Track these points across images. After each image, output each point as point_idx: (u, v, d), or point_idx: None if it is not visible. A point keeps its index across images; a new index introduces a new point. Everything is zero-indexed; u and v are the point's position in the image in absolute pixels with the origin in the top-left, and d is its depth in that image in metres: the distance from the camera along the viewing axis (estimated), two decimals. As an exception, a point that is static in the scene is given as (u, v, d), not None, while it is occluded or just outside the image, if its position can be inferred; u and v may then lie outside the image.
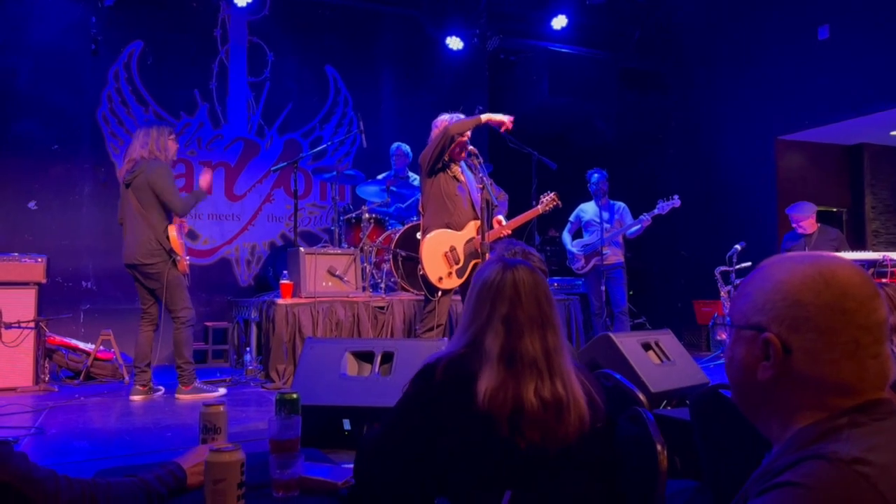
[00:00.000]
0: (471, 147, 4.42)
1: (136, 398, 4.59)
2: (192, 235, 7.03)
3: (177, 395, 4.66)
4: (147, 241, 4.57)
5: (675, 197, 6.19)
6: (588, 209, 6.60)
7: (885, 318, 0.91)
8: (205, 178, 4.83)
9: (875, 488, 0.78)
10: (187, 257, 4.76)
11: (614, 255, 6.44)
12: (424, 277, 4.36)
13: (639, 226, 6.30)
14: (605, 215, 6.49)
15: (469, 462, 1.45)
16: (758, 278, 0.99)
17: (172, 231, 4.62)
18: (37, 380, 4.97)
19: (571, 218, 6.68)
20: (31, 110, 6.52)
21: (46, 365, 5.13)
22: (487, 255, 4.15)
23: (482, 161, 4.41)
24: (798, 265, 0.95)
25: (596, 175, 6.59)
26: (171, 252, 4.61)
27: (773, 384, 0.93)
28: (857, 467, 0.79)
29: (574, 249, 6.55)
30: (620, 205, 6.65)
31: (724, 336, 6.77)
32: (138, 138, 4.73)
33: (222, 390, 4.87)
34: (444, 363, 1.49)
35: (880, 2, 6.74)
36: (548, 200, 4.73)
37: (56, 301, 6.01)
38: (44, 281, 5.15)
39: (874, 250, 7.23)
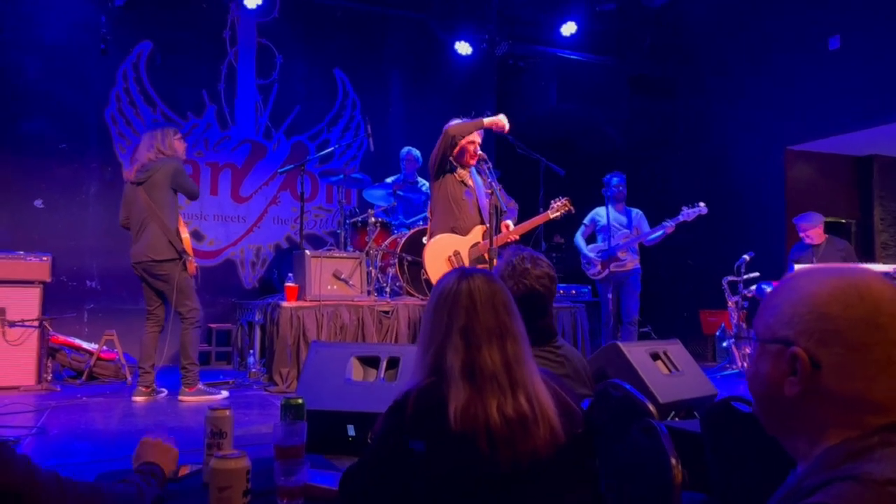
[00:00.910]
0: (480, 152, 4.41)
1: (139, 399, 4.57)
2: (197, 236, 7.02)
3: (180, 397, 4.63)
4: (159, 240, 4.57)
5: (701, 204, 5.97)
6: (604, 213, 6.35)
7: (918, 334, 0.88)
8: None
9: (911, 512, 0.75)
10: (194, 259, 4.75)
11: (632, 262, 6.29)
12: (428, 282, 4.35)
13: (661, 232, 6.14)
14: (623, 220, 6.40)
15: (453, 488, 1.41)
16: (784, 290, 0.96)
17: (184, 231, 4.64)
18: (39, 379, 4.95)
19: (586, 221, 6.47)
20: (39, 108, 6.52)
21: (49, 364, 5.12)
22: (496, 260, 4.12)
23: (491, 166, 4.39)
24: (827, 277, 0.92)
25: (615, 179, 6.41)
26: (182, 252, 4.61)
27: (800, 400, 0.90)
28: (892, 489, 0.76)
29: (591, 254, 6.34)
30: (637, 211, 6.49)
31: (748, 350, 6.65)
32: (144, 142, 4.76)
33: (225, 393, 4.85)
34: (414, 396, 1.44)
35: (892, 12, 6.71)
36: (559, 206, 4.58)
37: (60, 300, 6.01)
38: (48, 280, 5.14)
39: (883, 263, 7.19)
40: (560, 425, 1.44)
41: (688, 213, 6.02)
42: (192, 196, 4.92)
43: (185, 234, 4.65)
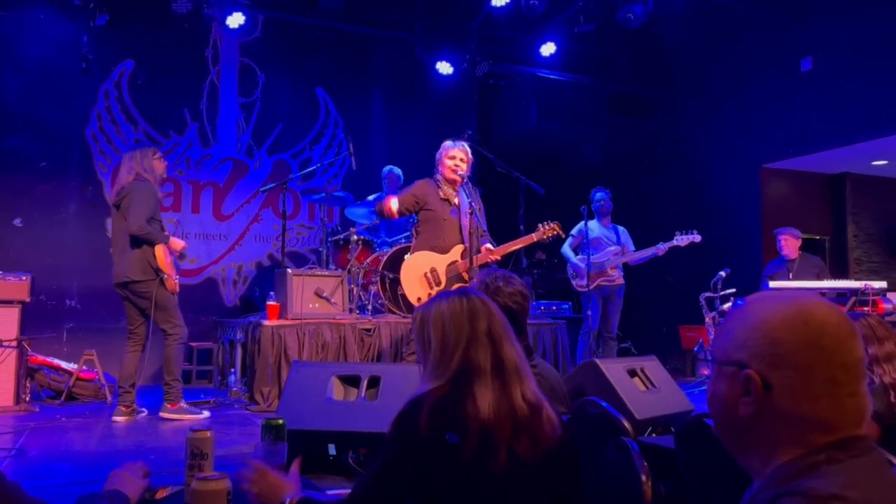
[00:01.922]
0: (462, 174, 4.42)
1: (120, 419, 4.54)
2: (179, 255, 7.00)
3: (161, 413, 4.63)
4: (136, 260, 4.60)
5: (695, 231, 6.17)
6: (594, 227, 6.45)
7: (861, 356, 0.94)
8: (178, 245, 4.85)
9: (852, 525, 0.80)
10: (177, 277, 4.75)
11: (619, 277, 6.45)
12: (404, 297, 4.41)
13: (651, 254, 6.30)
14: (612, 236, 6.50)
15: (473, 487, 1.46)
16: (739, 316, 1.01)
17: (159, 250, 4.64)
18: (18, 400, 4.90)
19: (573, 232, 6.51)
20: (20, 127, 6.50)
21: (28, 385, 5.07)
22: (475, 278, 4.16)
23: (470, 186, 4.44)
24: (778, 304, 0.98)
25: (599, 194, 6.56)
26: (158, 271, 4.62)
27: (753, 420, 0.95)
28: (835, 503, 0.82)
29: (581, 265, 6.34)
30: (623, 228, 6.64)
31: (706, 372, 6.76)
32: (123, 164, 4.79)
33: (207, 413, 4.83)
34: (429, 406, 1.50)
35: (861, 34, 6.91)
36: (546, 229, 4.48)
37: (39, 320, 5.95)
38: (27, 299, 5.10)
39: (856, 278, 7.33)
40: (555, 415, 1.59)
41: (681, 239, 6.18)
42: (130, 226, 4.53)
43: (159, 253, 4.64)
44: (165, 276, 4.63)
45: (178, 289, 4.76)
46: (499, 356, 1.57)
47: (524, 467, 1.48)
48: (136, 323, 4.76)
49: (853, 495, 0.82)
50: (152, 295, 4.59)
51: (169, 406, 4.63)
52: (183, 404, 4.70)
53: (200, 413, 4.75)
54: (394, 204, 4.43)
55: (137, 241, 4.60)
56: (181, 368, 4.77)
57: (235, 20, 6.90)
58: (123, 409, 4.59)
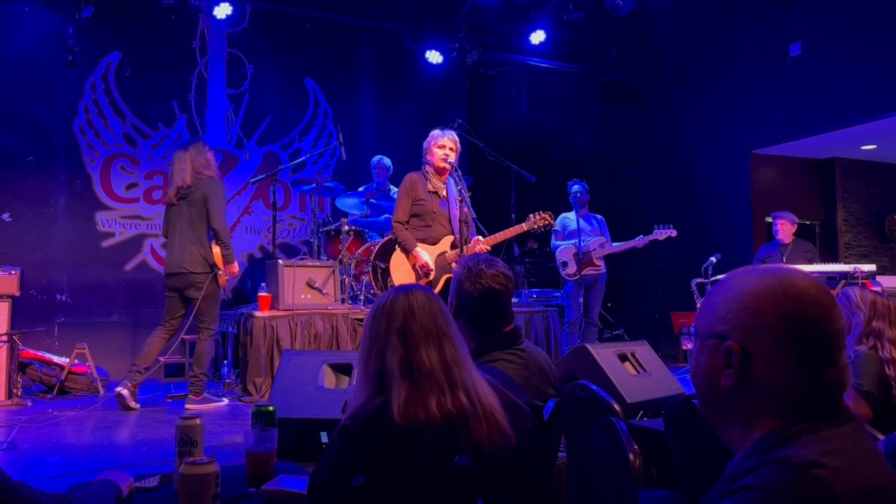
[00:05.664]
0: (451, 162, 4.41)
1: (124, 391, 4.60)
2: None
3: (187, 405, 4.72)
4: (195, 252, 4.76)
5: (670, 226, 6.38)
6: (572, 217, 6.58)
7: (841, 327, 0.95)
8: (235, 269, 4.98)
9: (831, 491, 0.81)
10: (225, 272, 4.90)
11: (602, 266, 6.56)
12: None
13: (631, 246, 6.46)
14: (593, 225, 6.59)
15: (407, 490, 1.41)
16: (722, 289, 1.02)
17: (216, 247, 4.83)
18: (9, 394, 4.88)
19: (557, 227, 6.59)
20: (6, 121, 6.44)
21: (19, 379, 5.05)
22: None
23: (460, 174, 4.42)
24: (759, 277, 0.98)
25: (576, 186, 6.64)
26: (213, 266, 4.80)
27: (735, 391, 0.96)
28: (814, 470, 0.82)
29: (570, 247, 6.53)
30: (600, 217, 6.75)
31: (689, 346, 6.85)
32: (177, 163, 4.88)
33: (226, 399, 4.94)
34: (361, 421, 1.44)
35: (849, 19, 6.92)
36: (537, 219, 4.44)
37: (30, 314, 5.94)
38: (17, 294, 5.07)
39: (846, 262, 7.37)
40: (508, 425, 1.48)
41: (659, 233, 6.40)
42: (215, 222, 4.79)
43: (215, 249, 4.83)
44: (219, 271, 4.83)
45: (227, 285, 4.93)
46: (410, 359, 1.46)
47: (455, 467, 1.39)
48: (174, 314, 4.89)
49: (832, 462, 0.83)
50: (204, 287, 4.76)
51: (193, 398, 4.75)
52: (206, 394, 4.87)
53: (222, 401, 4.88)
54: (424, 255, 4.33)
55: (198, 237, 4.76)
56: (210, 361, 4.94)
57: (223, 11, 6.85)
58: (130, 384, 4.65)
